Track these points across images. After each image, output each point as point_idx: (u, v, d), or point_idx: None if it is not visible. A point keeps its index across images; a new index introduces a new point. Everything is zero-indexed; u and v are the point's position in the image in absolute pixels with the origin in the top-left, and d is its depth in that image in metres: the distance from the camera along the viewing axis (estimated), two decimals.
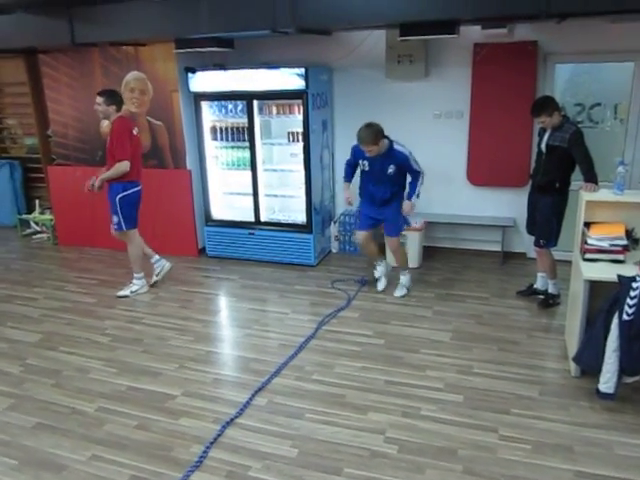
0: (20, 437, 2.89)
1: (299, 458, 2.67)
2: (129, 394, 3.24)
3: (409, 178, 4.32)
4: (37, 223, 6.55)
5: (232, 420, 2.95)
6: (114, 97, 4.41)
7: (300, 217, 5.23)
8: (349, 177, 4.51)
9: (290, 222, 5.29)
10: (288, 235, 5.22)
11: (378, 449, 2.72)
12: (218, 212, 5.55)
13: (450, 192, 5.32)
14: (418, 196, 4.28)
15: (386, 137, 4.15)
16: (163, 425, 2.94)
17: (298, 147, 5.05)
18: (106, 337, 3.97)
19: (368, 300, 4.45)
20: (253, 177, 5.24)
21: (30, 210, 6.81)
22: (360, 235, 4.56)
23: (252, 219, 5.35)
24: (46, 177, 6.26)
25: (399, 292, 4.54)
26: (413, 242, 5.05)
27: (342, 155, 5.56)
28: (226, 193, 5.57)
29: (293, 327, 4.01)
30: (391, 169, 4.19)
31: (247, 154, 5.19)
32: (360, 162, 4.32)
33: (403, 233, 4.68)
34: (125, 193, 4.44)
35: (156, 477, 2.56)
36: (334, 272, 5.08)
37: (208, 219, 5.54)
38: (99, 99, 4.35)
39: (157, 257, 4.82)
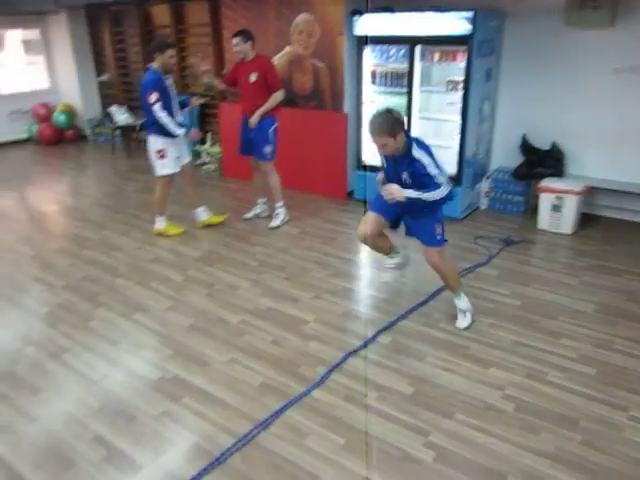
0: (176, 334, 3.37)
1: (414, 396, 2.78)
2: (269, 313, 3.58)
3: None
4: (208, 154, 7.23)
5: (356, 351, 3.13)
6: (248, 35, 4.69)
7: (451, 169, 5.13)
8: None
9: None
10: None
11: (494, 403, 2.72)
12: (368, 157, 5.66)
13: (621, 156, 4.83)
14: (417, 195, 3.02)
15: (406, 133, 3.07)
16: (295, 345, 3.22)
17: (457, 96, 4.91)
18: (255, 261, 4.35)
19: (510, 260, 4.31)
20: (407, 124, 5.22)
21: (203, 142, 7.51)
22: (367, 217, 3.44)
23: None
24: (218, 113, 6.82)
25: (461, 322, 3.40)
26: (570, 206, 4.71)
27: (505, 107, 5.32)
28: None
29: (427, 275, 4.03)
30: (405, 176, 3.12)
31: (404, 100, 5.16)
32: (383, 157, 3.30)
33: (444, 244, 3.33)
34: (276, 125, 4.82)
35: (283, 387, 2.85)
36: (478, 228, 4.95)
37: (359, 163, 5.67)
38: (236, 40, 4.67)
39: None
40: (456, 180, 5.05)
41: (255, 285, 3.96)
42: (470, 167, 5.14)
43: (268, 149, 4.85)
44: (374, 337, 3.28)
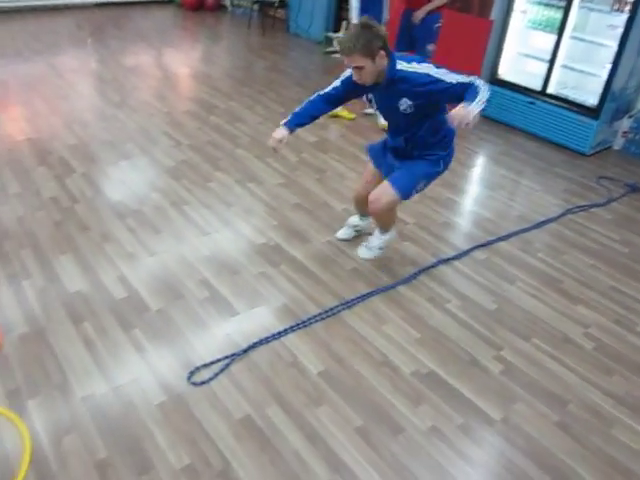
0: (283, 208, 3.60)
1: (495, 313, 2.86)
2: None
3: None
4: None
5: (448, 260, 3.22)
6: None
7: (592, 99, 4.77)
8: (297, 119, 2.69)
9: (578, 102, 4.87)
10: (570, 115, 4.84)
11: (574, 338, 2.75)
12: (505, 72, 5.34)
13: None
14: (479, 104, 2.30)
15: (388, 52, 2.44)
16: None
17: (620, 19, 4.43)
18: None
19: (631, 207, 4.07)
20: (556, 43, 4.83)
21: (336, 30, 7.38)
22: (367, 173, 3.06)
23: (538, 88, 5.05)
24: None
25: (364, 252, 3.15)
26: None
27: None
28: (520, 54, 5.27)
29: (537, 204, 3.95)
30: (404, 104, 2.52)
31: (558, 15, 4.75)
32: (366, 96, 2.78)
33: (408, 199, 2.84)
34: (440, 23, 4.63)
35: (372, 276, 3.03)
36: (605, 169, 4.66)
37: (493, 77, 5.39)
38: None
39: None
40: (595, 112, 4.70)
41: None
42: (614, 101, 4.74)
43: (430, 47, 4.67)
44: (469, 251, 3.33)
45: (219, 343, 2.51)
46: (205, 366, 2.37)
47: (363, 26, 2.39)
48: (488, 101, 2.33)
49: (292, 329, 2.61)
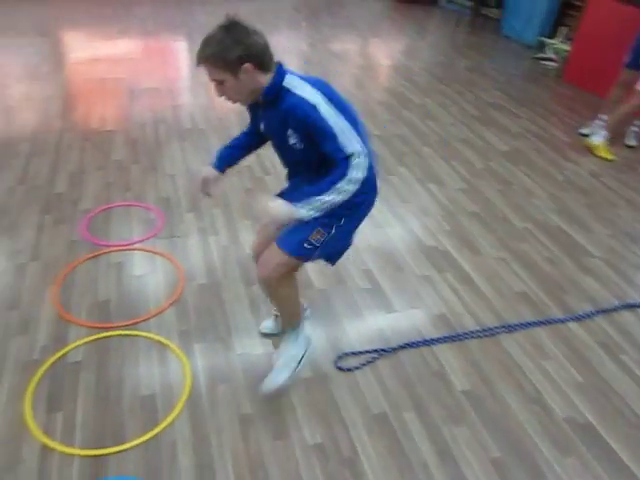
0: (459, 214, 3.49)
1: None
2: (556, 232, 3.42)
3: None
4: (554, 51, 6.65)
5: (635, 307, 2.87)
6: None
7: None
8: (225, 159, 2.15)
9: None
10: None
11: None
12: None
13: None
14: (317, 208, 1.80)
15: (258, 63, 1.75)
16: (569, 271, 3.07)
17: None
18: (561, 176, 4.10)
19: None
20: None
21: (552, 36, 6.89)
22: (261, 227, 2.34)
23: None
24: (584, 7, 6.09)
25: (269, 381, 2.17)
26: None
27: None
28: None
29: None
30: (293, 138, 1.84)
31: None
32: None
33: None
34: None
35: (541, 304, 2.82)
36: None
37: None
38: None
39: None
40: None
41: (552, 199, 3.78)
42: None
43: None
44: None
45: (370, 335, 2.54)
46: (353, 354, 2.42)
47: (224, 28, 1.72)
48: (344, 196, 1.77)
49: (445, 339, 2.55)
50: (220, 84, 1.79)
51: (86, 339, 2.39)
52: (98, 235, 3.02)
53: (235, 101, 1.85)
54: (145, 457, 1.95)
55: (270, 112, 1.85)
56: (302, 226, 1.89)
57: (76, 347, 2.35)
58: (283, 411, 2.16)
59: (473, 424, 2.18)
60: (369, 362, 2.39)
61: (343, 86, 5.37)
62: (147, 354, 2.35)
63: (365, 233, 3.21)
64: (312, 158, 1.86)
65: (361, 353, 2.44)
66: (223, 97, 1.83)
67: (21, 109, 4.49)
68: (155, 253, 2.92)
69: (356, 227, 2.07)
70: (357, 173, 1.76)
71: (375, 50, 6.89)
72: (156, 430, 2.04)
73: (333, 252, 2.10)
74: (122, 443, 1.99)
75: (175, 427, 2.06)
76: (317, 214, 1.80)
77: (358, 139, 1.77)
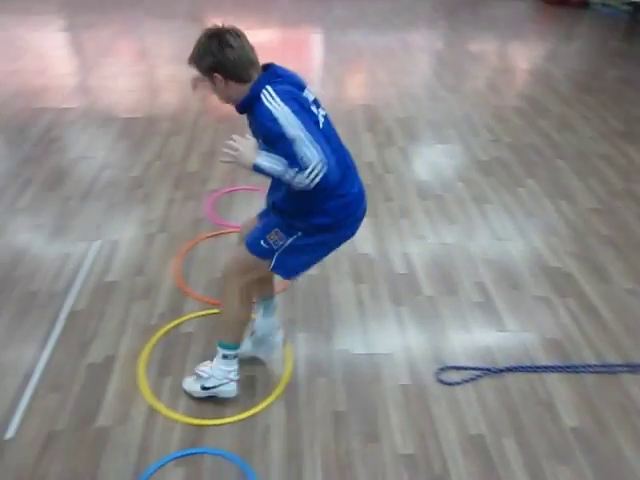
0: (589, 237, 3.21)
1: None
2: None
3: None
4: None
5: None
6: None
7: None
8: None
9: None
10: None
11: None
12: None
13: None
14: (267, 170, 1.74)
15: (229, 75, 1.79)
16: None
17: None
18: None
19: None
20: None
21: None
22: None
23: None
24: None
25: (189, 384, 2.17)
26: None
27: None
28: None
29: None
30: (263, 147, 1.79)
31: None
32: None
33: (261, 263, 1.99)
34: None
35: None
36: None
37: None
38: None
39: None
40: None
41: None
42: None
43: None
44: None
45: (476, 352, 2.43)
46: (456, 369, 2.34)
47: (207, 37, 1.81)
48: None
49: (558, 369, 2.37)
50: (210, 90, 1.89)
51: (199, 313, 2.52)
52: (221, 215, 3.17)
53: (224, 102, 1.91)
54: (240, 435, 2.02)
55: (250, 120, 1.89)
56: (264, 226, 1.98)
57: (189, 319, 2.49)
58: (378, 414, 2.13)
59: (578, 464, 2.01)
60: (472, 379, 2.29)
61: (476, 89, 5.18)
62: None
63: (483, 245, 3.08)
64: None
65: (465, 369, 2.34)
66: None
67: (166, 90, 4.82)
68: None
69: (317, 251, 2.03)
70: (305, 180, 1.70)
71: (515, 53, 6.57)
72: (253, 411, 2.10)
73: (289, 265, 2.03)
74: (221, 417, 2.08)
75: (271, 411, 2.12)
76: (265, 169, 1.75)
77: (319, 151, 1.70)
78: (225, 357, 2.06)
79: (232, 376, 2.08)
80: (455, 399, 2.21)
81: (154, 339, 2.37)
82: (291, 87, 1.84)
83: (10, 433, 1.98)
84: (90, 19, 6.51)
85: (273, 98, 1.76)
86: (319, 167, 1.69)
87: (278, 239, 1.94)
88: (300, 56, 6.05)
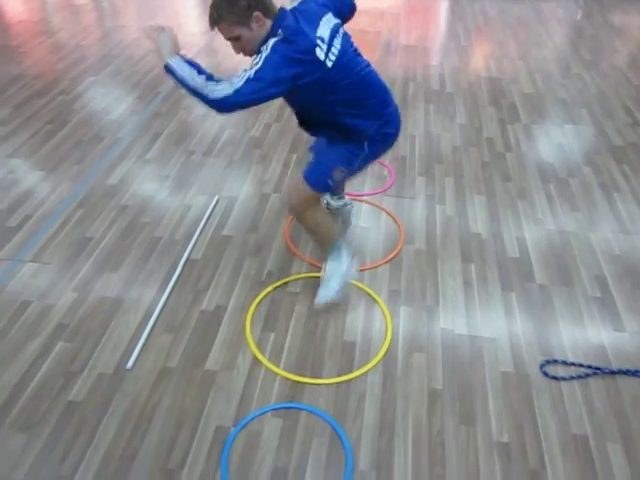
0: None
1: None
2: None
3: None
4: None
5: None
6: None
7: None
8: None
9: None
10: None
11: None
12: None
13: None
14: (176, 75, 1.82)
15: (271, 9, 1.88)
16: None
17: None
18: None
19: None
20: None
21: None
22: None
23: None
24: None
25: (324, 292, 2.38)
26: None
27: None
28: None
29: None
30: None
31: None
32: None
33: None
34: None
35: None
36: None
37: None
38: None
39: None
40: None
41: None
42: None
43: None
44: None
45: (588, 349, 2.29)
46: (564, 363, 2.22)
47: None
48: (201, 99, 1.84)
49: None
50: (237, 40, 1.91)
51: (306, 274, 2.58)
52: None
53: (252, 53, 1.93)
54: (335, 398, 2.08)
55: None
56: (327, 160, 2.19)
57: (296, 279, 2.56)
58: (475, 398, 2.09)
59: None
60: (580, 377, 2.18)
61: (616, 66, 4.74)
62: (356, 303, 2.46)
63: (607, 236, 2.87)
64: (298, 104, 2.15)
65: (573, 365, 2.22)
66: (241, 53, 1.97)
67: None
68: (381, 209, 3.00)
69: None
70: (218, 93, 1.79)
71: None
72: (350, 376, 2.14)
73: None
74: (318, 377, 2.14)
75: (367, 379, 2.15)
76: (175, 73, 1.84)
77: (242, 84, 1.78)
78: (338, 251, 2.36)
79: (343, 252, 2.38)
80: (559, 394, 2.11)
81: (262, 295, 2.47)
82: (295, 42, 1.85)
83: (130, 363, 2.18)
84: None
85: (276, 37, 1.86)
86: (231, 97, 1.79)
87: (342, 173, 2.20)
88: (425, 23, 5.85)
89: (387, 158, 3.39)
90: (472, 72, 4.55)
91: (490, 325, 2.38)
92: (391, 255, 2.69)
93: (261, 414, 2.01)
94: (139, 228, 2.86)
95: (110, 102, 4.07)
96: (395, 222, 2.91)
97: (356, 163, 2.20)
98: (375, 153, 2.25)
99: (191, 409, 2.03)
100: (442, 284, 2.56)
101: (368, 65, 2.16)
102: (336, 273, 2.36)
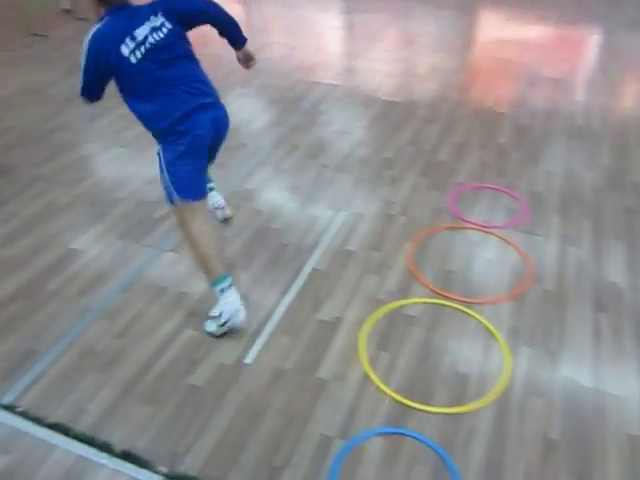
0: None
1: None
2: None
3: None
4: None
5: None
6: None
7: None
8: None
9: None
10: None
11: None
12: None
13: None
14: None
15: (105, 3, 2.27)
16: None
17: None
18: None
19: None
20: None
21: None
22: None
23: None
24: None
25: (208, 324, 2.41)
26: None
27: None
28: None
29: None
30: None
31: None
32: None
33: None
34: None
35: None
36: None
37: None
38: None
39: None
40: None
41: None
42: None
43: None
44: None
45: None
46: None
47: None
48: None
49: None
50: None
51: (425, 299, 2.57)
52: (462, 209, 3.15)
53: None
54: (443, 428, 2.04)
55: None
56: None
57: (415, 303, 2.56)
58: (594, 456, 1.95)
59: None
60: None
61: None
62: (474, 336, 2.41)
63: None
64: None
65: None
66: None
67: (427, 77, 4.89)
68: (510, 244, 2.90)
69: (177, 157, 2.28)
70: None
71: None
72: (462, 409, 2.10)
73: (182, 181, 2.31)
74: (427, 404, 2.11)
75: (479, 415, 2.08)
76: None
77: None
78: (222, 291, 2.32)
79: (237, 305, 2.33)
80: None
81: (379, 313, 2.50)
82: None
83: (249, 359, 2.30)
84: (366, 4, 6.88)
85: (92, 31, 2.21)
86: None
87: (169, 178, 2.31)
88: (574, 56, 5.60)
89: (521, 191, 3.29)
90: (622, 111, 4.28)
91: (619, 381, 2.21)
92: (516, 292, 2.60)
93: (372, 436, 2.01)
94: (269, 233, 3.01)
95: (255, 112, 4.33)
96: (523, 258, 2.81)
97: (170, 166, 2.32)
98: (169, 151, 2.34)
99: (300, 413, 2.10)
100: (569, 330, 2.43)
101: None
102: (224, 315, 2.34)
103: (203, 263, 2.35)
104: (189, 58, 2.34)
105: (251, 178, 3.49)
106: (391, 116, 4.20)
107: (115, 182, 3.50)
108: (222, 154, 3.67)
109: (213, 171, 2.90)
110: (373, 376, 2.22)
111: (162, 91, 2.23)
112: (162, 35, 2.22)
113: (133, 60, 2.17)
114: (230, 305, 2.32)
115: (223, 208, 3.03)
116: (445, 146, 3.79)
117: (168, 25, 2.25)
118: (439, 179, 3.43)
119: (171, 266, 2.82)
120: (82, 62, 2.23)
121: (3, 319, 2.53)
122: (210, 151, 2.41)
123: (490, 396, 2.14)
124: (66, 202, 3.30)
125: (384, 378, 2.22)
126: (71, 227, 3.12)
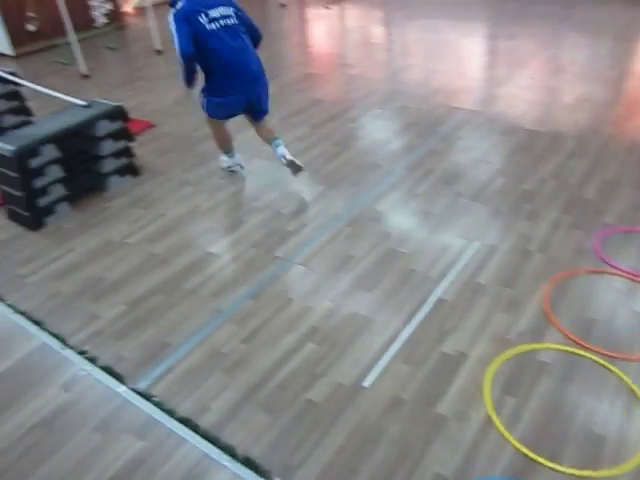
0: None
1: None
2: None
3: None
4: None
5: None
6: None
7: None
8: None
9: None
10: None
11: None
12: None
13: None
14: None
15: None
16: None
17: None
18: None
19: None
20: None
21: None
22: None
23: None
24: None
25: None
26: None
27: None
28: None
29: None
30: None
31: None
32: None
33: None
34: None
35: None
36: None
37: None
38: None
39: None
40: None
41: None
42: None
43: None
44: None
45: None
46: None
47: None
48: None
49: None
50: None
51: (560, 346, 2.39)
52: (609, 253, 2.90)
53: None
54: None
55: None
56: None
57: (548, 349, 2.39)
58: None
59: None
60: None
61: None
62: (614, 394, 2.19)
63: None
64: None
65: None
66: None
67: (577, 108, 4.60)
68: None
69: (218, 101, 3.45)
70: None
71: None
72: (595, 473, 1.91)
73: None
74: (556, 462, 1.95)
75: None
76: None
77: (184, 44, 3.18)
78: (226, 154, 3.84)
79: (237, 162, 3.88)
80: None
81: (508, 354, 2.36)
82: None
83: (367, 382, 2.28)
84: (514, 30, 6.64)
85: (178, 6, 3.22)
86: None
87: (202, 103, 3.52)
88: None
89: None
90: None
91: None
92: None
93: None
94: (397, 257, 2.98)
95: (391, 134, 4.34)
96: None
97: (206, 100, 3.50)
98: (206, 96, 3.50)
99: (415, 446, 2.04)
100: None
101: None
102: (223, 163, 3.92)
103: (217, 144, 3.78)
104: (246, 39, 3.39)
105: (382, 199, 3.49)
106: (534, 146, 4.00)
107: (253, 193, 3.67)
108: (355, 172, 3.77)
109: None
110: (497, 421, 2.10)
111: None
112: (231, 21, 3.25)
113: (208, 27, 3.19)
114: (228, 162, 3.88)
115: (284, 157, 3.57)
116: (593, 183, 3.52)
117: (236, 20, 3.29)
118: (583, 218, 3.19)
119: (299, 279, 2.89)
120: (174, 28, 3.12)
121: (145, 310, 2.74)
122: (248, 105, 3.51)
123: (629, 464, 1.93)
124: (208, 207, 3.53)
125: (508, 425, 2.09)
126: (210, 231, 3.32)
